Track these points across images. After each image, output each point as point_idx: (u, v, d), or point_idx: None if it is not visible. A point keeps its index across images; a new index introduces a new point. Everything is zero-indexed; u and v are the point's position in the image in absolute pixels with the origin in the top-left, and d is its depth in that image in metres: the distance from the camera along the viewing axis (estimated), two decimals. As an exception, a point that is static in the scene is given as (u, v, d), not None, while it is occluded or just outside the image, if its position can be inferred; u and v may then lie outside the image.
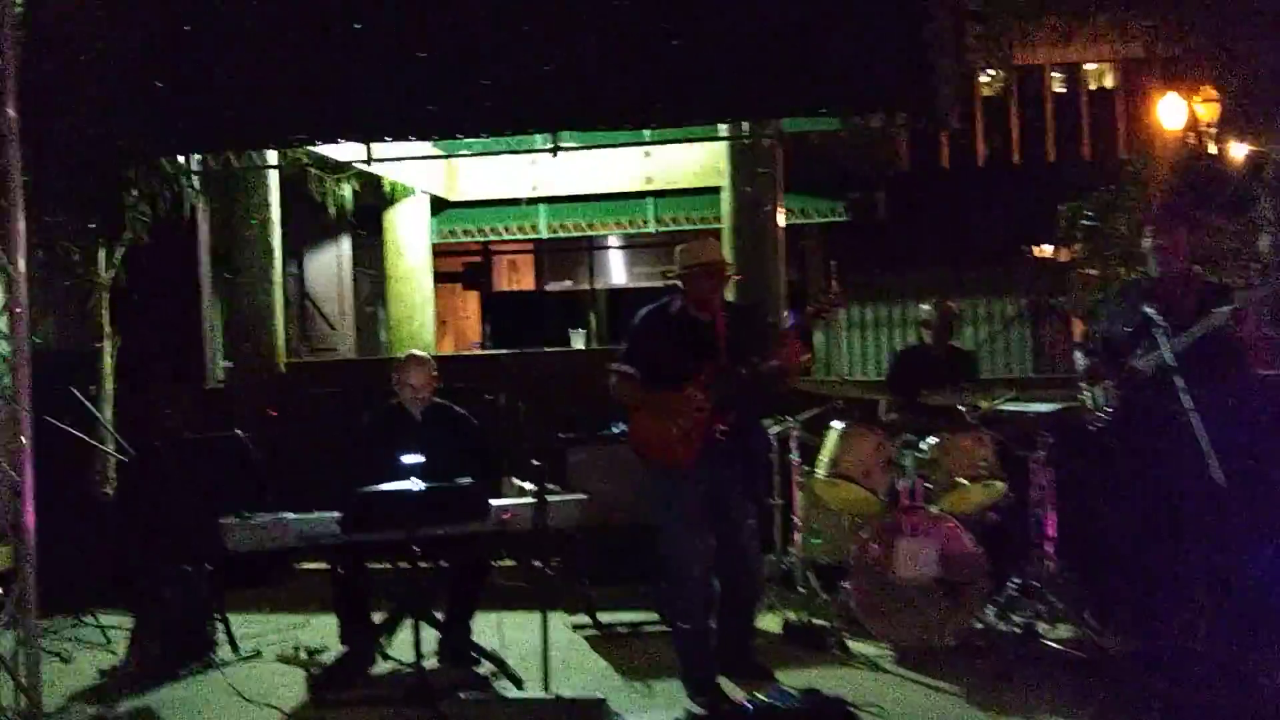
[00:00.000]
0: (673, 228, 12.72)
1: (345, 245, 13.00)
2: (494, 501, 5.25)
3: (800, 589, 6.01)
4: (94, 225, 7.67)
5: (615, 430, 6.81)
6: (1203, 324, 4.63)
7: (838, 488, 6.02)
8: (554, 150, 7.10)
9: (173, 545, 5.92)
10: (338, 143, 7.52)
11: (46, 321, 7.98)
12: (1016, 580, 5.93)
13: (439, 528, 5.11)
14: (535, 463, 5.00)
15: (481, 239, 13.86)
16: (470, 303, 17.32)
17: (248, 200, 8.32)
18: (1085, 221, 7.11)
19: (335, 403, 7.91)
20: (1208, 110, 13.28)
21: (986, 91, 23.66)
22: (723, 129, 7.77)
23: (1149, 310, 4.68)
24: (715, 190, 9.45)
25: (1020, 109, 22.83)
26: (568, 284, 17.09)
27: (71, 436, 6.78)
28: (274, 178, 8.40)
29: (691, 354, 5.09)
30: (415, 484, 5.04)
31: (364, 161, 7.40)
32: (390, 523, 5.03)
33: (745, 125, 7.69)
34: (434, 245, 12.75)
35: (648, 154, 12.04)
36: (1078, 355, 5.19)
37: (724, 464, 5.14)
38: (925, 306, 6.74)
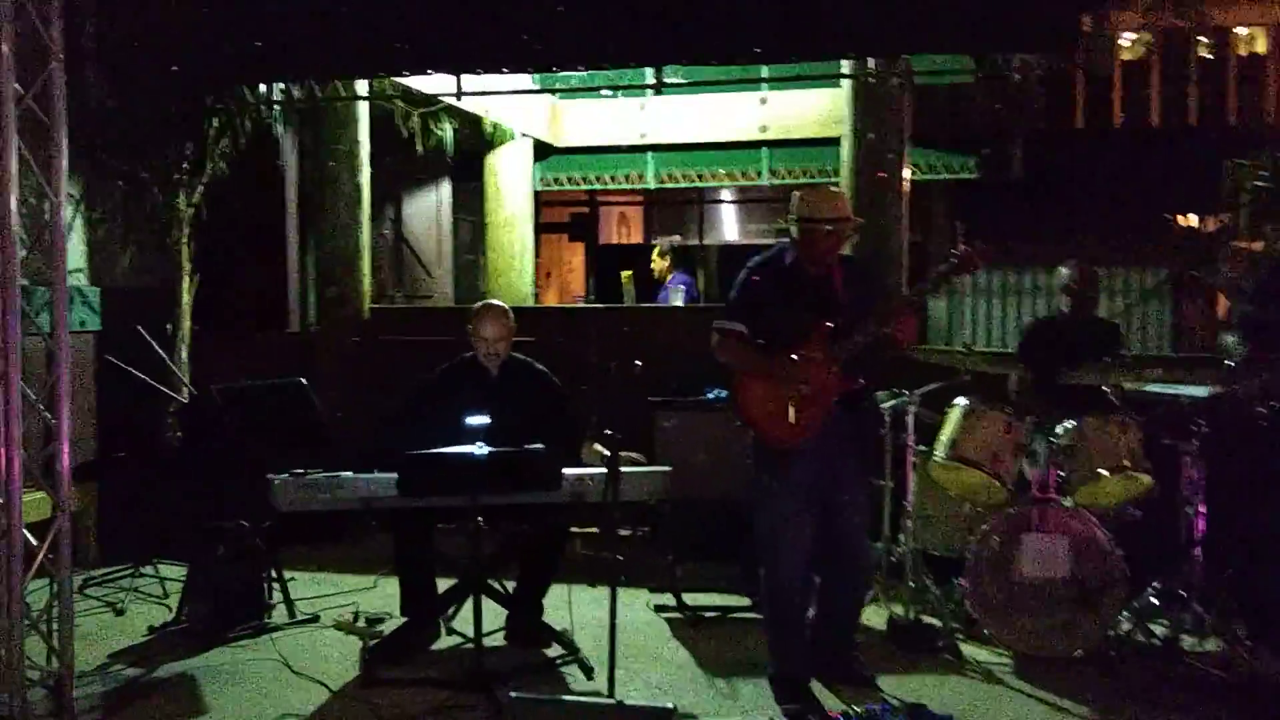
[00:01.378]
0: (788, 180, 11.99)
1: (445, 190, 12.56)
2: (568, 471, 4.73)
3: (910, 582, 5.37)
4: (173, 156, 7.31)
5: (710, 396, 6.25)
6: None
7: (959, 472, 5.35)
8: (657, 87, 6.49)
9: (229, 498, 5.53)
10: (426, 74, 7.00)
11: (126, 254, 7.67)
12: (1157, 585, 5.22)
13: (504, 496, 4.61)
14: (608, 432, 4.45)
15: (587, 188, 13.31)
16: (577, 255, 16.85)
17: (335, 136, 7.87)
18: (1259, 183, 6.24)
19: (419, 352, 7.48)
20: None
21: (1127, 55, 22.51)
22: (845, 68, 7.04)
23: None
24: (834, 142, 8.72)
25: (1162, 72, 21.60)
26: (677, 239, 16.50)
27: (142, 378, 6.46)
28: (364, 112, 7.94)
29: (808, 313, 4.51)
30: (480, 448, 4.53)
31: (454, 95, 6.87)
32: (452, 488, 4.55)
33: (870, 64, 6.96)
34: (538, 193, 12.24)
35: (764, 100, 11.33)
36: (1229, 339, 4.40)
37: (836, 439, 4.53)
38: (1064, 269, 5.98)
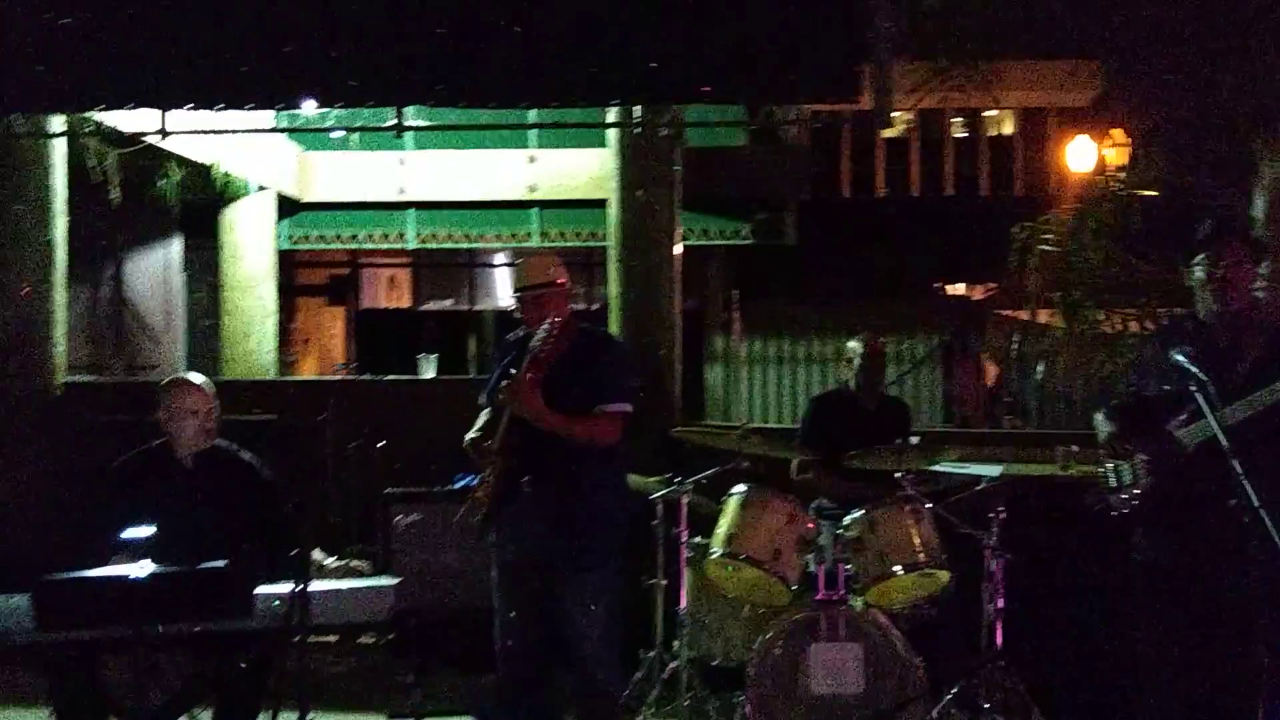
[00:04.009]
0: (560, 243, 11.39)
1: (175, 247, 11.33)
2: (264, 590, 3.80)
3: (686, 700, 4.66)
4: None
5: (459, 484, 5.43)
6: (1277, 386, 3.38)
7: (737, 570, 4.68)
8: (398, 129, 5.70)
9: None
10: (126, 108, 5.99)
11: None
12: (955, 693, 4.67)
13: (178, 624, 3.65)
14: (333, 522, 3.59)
15: (345, 247, 12.35)
16: (339, 320, 15.77)
17: (20, 180, 6.71)
18: (1045, 246, 5.96)
19: (128, 434, 6.37)
20: (1117, 154, 12.75)
21: (889, 133, 23.41)
22: (611, 116, 6.44)
23: (1180, 358, 3.42)
24: (605, 203, 8.16)
25: (921, 150, 22.45)
26: (448, 303, 15.70)
27: None
28: (59, 154, 6.82)
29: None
30: (142, 567, 3.57)
31: (157, 133, 5.89)
32: (106, 618, 3.57)
33: (638, 114, 6.38)
34: (287, 253, 11.23)
35: (533, 159, 10.73)
36: (1098, 418, 3.93)
37: (537, 527, 4.05)
38: (852, 343, 5.47)
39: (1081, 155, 14.65)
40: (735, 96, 6.39)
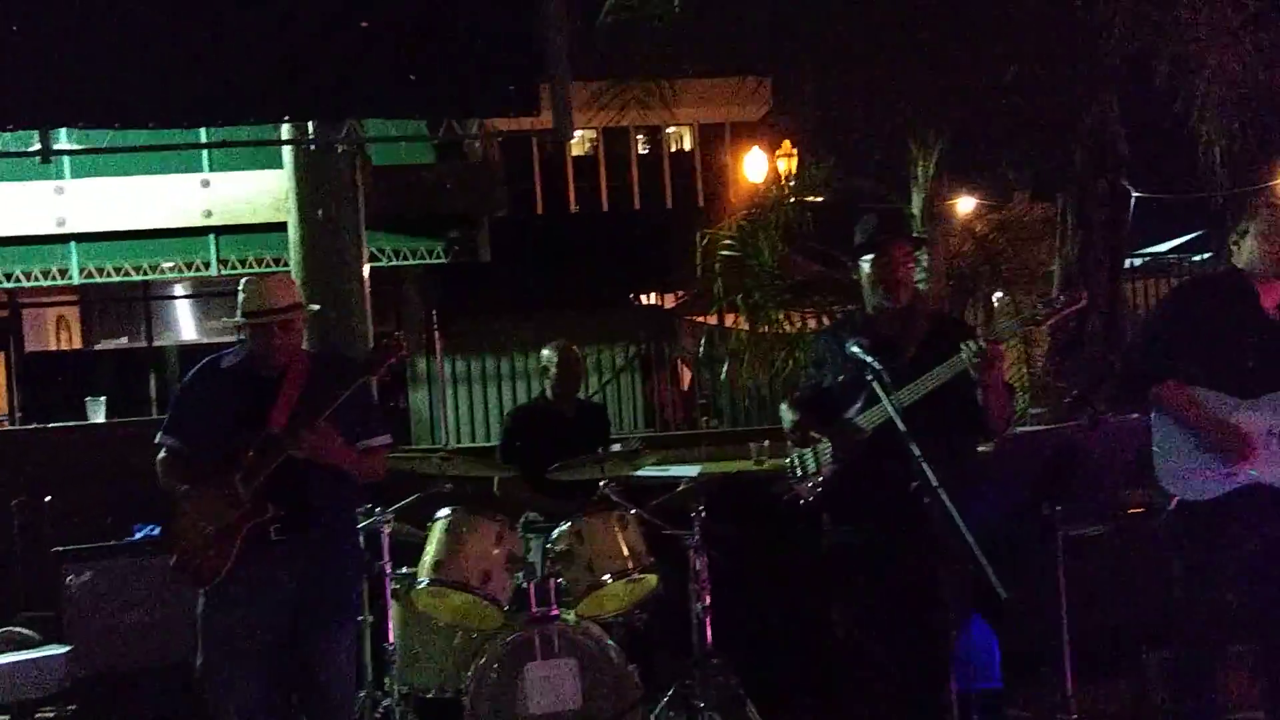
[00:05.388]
0: (240, 270, 10.80)
1: None
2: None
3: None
4: None
5: (139, 535, 5.03)
6: (940, 369, 3.58)
7: (447, 598, 4.56)
8: (43, 155, 5.22)
9: None
10: None
11: None
12: (669, 695, 4.73)
13: None
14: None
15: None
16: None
17: None
18: (726, 251, 6.17)
19: None
20: (787, 164, 13.56)
21: (577, 151, 23.84)
22: (285, 134, 6.15)
23: (855, 348, 3.58)
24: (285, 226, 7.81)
25: (608, 166, 23.06)
26: (123, 340, 14.63)
27: None
28: None
29: (242, 422, 3.79)
30: None
31: None
32: None
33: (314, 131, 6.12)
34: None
35: (206, 183, 10.15)
36: (784, 410, 4.05)
37: (285, 577, 3.79)
38: (546, 351, 5.46)
39: (756, 166, 15.44)
40: (411, 112, 6.25)
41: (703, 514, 4.80)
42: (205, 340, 14.17)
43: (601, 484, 4.80)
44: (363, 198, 6.55)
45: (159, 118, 5.43)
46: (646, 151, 24.05)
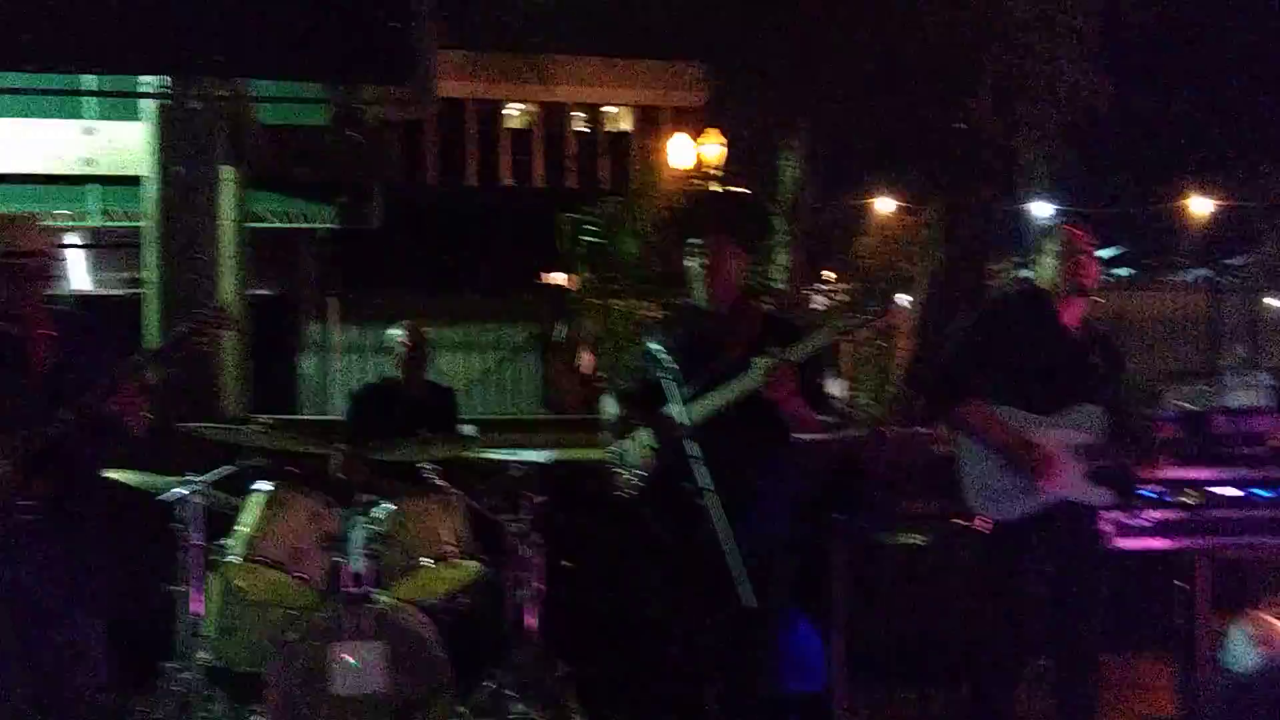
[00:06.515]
0: (127, 224, 10.49)
1: None
2: None
3: (201, 711, 4.38)
4: None
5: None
6: (730, 386, 3.54)
7: (259, 573, 4.44)
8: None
9: None
10: None
11: None
12: (489, 684, 4.67)
13: None
14: None
15: None
16: None
17: None
18: (588, 238, 6.10)
19: None
20: (715, 154, 13.49)
21: (515, 124, 23.55)
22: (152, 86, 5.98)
23: (653, 345, 3.54)
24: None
25: (545, 142, 22.83)
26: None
27: None
28: None
29: None
30: None
31: None
32: None
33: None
34: None
35: (89, 130, 9.79)
36: (605, 401, 4.01)
37: (33, 556, 3.45)
38: (393, 330, 5.37)
39: (682, 152, 15.34)
40: (282, 73, 6.15)
41: (538, 501, 4.75)
42: (100, 292, 13.80)
43: (424, 467, 4.71)
44: (223, 151, 6.42)
45: (37, 60, 5.29)
46: (589, 131, 23.83)
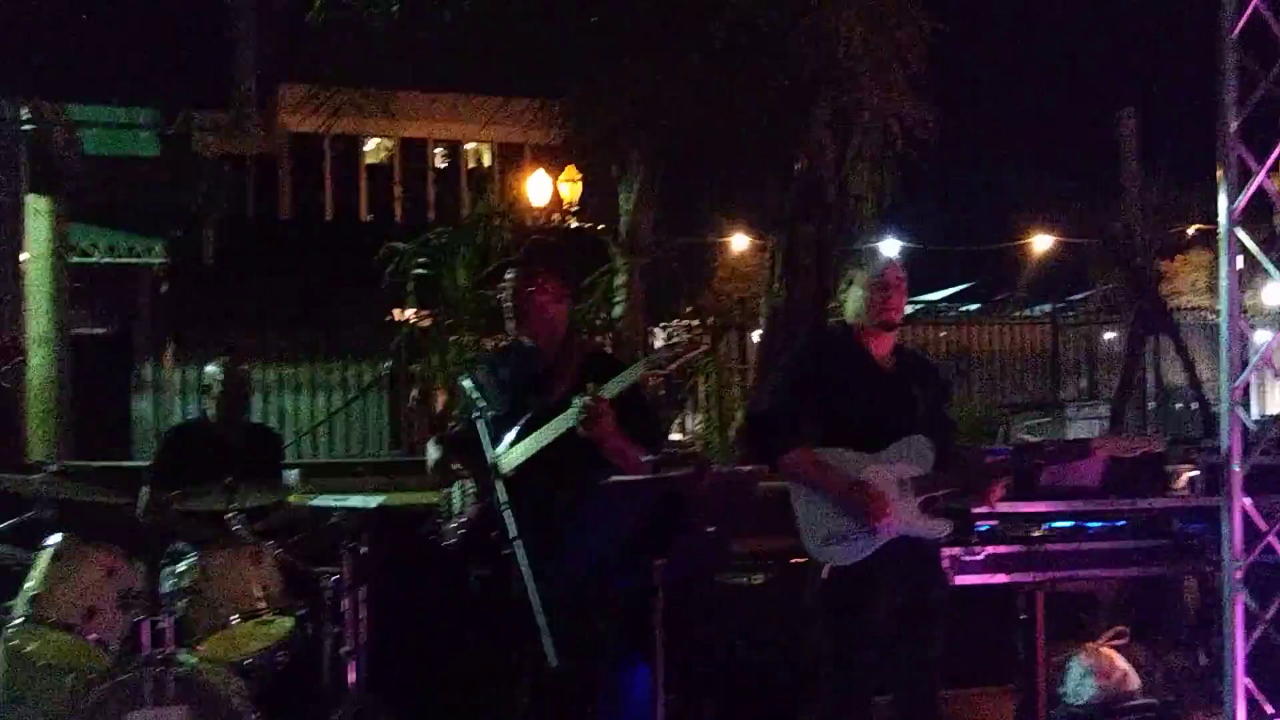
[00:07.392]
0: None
1: None
2: None
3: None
4: None
5: None
6: (546, 428, 3.35)
7: (47, 637, 4.07)
8: None
9: None
10: None
11: None
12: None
13: None
14: None
15: None
16: None
17: None
18: (418, 270, 5.90)
19: None
20: (571, 190, 13.39)
21: (373, 159, 23.21)
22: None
23: (467, 383, 3.34)
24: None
25: (403, 176, 22.52)
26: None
27: None
28: None
29: None
30: None
31: None
32: None
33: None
34: None
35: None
36: (429, 446, 3.79)
37: None
38: (210, 368, 5.01)
39: (540, 188, 15.20)
40: (98, 96, 5.82)
41: (360, 550, 4.48)
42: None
43: (227, 516, 4.39)
44: (60, 186, 6.06)
45: None
46: (445, 166, 23.64)
